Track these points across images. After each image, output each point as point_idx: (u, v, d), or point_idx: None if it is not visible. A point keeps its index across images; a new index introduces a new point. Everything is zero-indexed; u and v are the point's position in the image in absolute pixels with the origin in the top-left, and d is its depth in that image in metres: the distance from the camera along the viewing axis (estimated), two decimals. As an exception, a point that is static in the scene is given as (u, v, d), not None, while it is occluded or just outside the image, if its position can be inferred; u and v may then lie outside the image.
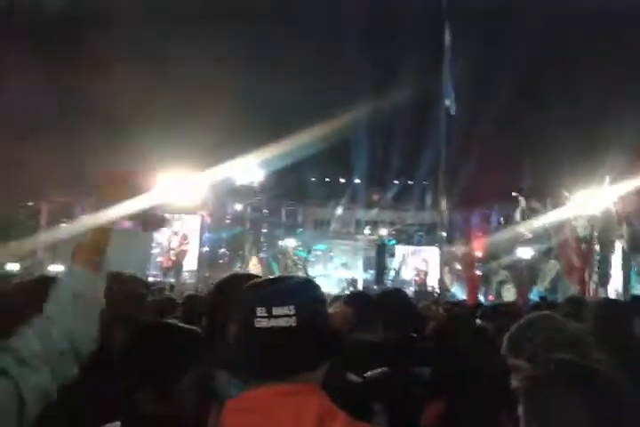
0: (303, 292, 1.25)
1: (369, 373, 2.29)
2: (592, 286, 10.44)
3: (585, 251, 10.35)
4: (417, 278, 31.82)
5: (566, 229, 12.16)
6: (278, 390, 1.15)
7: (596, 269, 10.47)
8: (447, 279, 20.09)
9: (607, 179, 10.89)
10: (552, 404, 1.22)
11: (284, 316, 1.17)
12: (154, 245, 27.34)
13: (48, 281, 2.09)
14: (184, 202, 21.12)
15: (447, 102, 17.57)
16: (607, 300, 5.03)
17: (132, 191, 1.80)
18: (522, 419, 1.28)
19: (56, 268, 21.60)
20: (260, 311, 1.18)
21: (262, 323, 1.17)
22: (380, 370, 2.33)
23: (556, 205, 13.33)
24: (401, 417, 1.27)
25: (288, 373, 1.17)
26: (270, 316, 1.18)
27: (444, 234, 19.67)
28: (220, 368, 1.58)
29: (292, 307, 1.18)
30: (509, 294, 14.02)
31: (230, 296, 1.68)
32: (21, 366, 1.27)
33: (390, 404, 1.89)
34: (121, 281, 2.56)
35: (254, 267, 18.24)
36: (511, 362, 1.84)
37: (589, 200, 10.76)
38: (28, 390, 1.25)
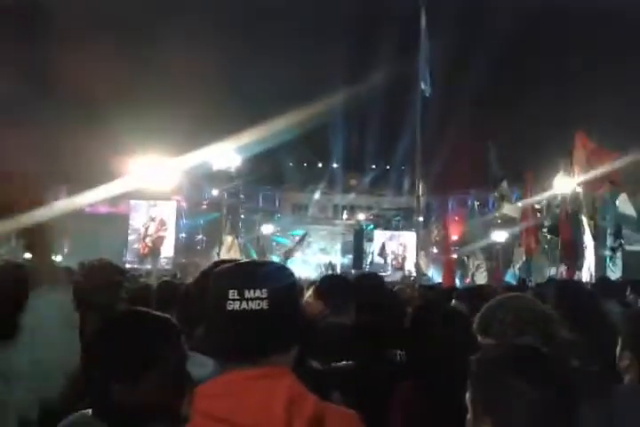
0: (276, 276, 1.24)
1: (336, 364, 2.31)
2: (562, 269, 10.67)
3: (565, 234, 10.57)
4: (394, 263, 32.10)
5: (531, 214, 12.40)
6: (249, 373, 1.16)
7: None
8: (423, 263, 20.28)
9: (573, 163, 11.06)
10: (497, 387, 1.20)
11: (256, 299, 1.17)
12: (130, 231, 27.07)
13: (13, 268, 2.07)
14: (159, 187, 20.88)
15: (423, 86, 17.56)
16: (572, 281, 5.16)
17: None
18: (469, 402, 1.27)
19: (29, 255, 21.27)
20: (232, 294, 1.18)
21: (234, 305, 1.17)
22: (344, 363, 2.34)
23: (530, 189, 13.52)
24: (363, 407, 1.29)
25: (259, 356, 1.18)
26: (242, 298, 1.18)
27: (421, 219, 19.83)
28: (194, 354, 1.60)
29: (264, 290, 1.19)
30: (481, 277, 14.22)
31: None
32: (5, 383, 1.28)
33: (350, 395, 1.90)
34: (96, 268, 2.55)
35: (231, 252, 18.20)
36: (480, 341, 1.89)
37: (560, 184, 10.96)
38: (9, 409, 1.25)
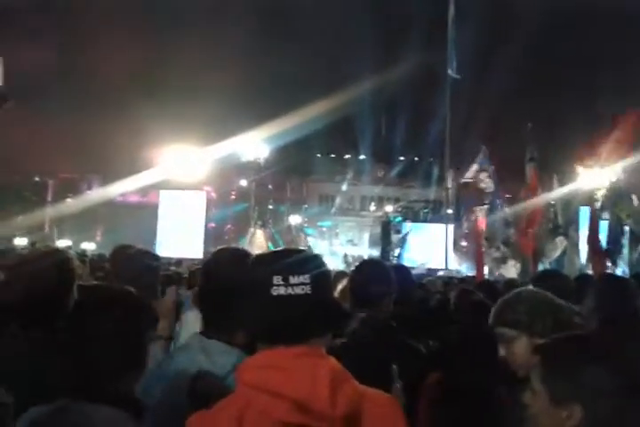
0: (315, 263, 1.30)
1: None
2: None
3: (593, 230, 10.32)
4: (422, 256, 31.90)
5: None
6: (294, 351, 1.20)
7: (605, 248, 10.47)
8: (453, 256, 20.12)
9: (613, 152, 10.74)
10: (582, 374, 1.27)
11: (300, 284, 1.22)
12: (160, 220, 27.42)
13: (57, 253, 2.12)
14: (189, 177, 21.11)
15: (451, 72, 17.34)
16: (609, 275, 5.05)
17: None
18: (542, 387, 1.31)
19: (63, 242, 21.77)
20: (277, 280, 1.22)
21: (279, 291, 1.22)
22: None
23: (564, 180, 13.21)
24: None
25: (302, 338, 1.22)
26: (287, 284, 1.22)
27: (450, 211, 19.64)
28: (216, 343, 1.63)
29: (307, 276, 1.23)
30: (512, 271, 14.02)
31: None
32: None
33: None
34: (130, 254, 2.59)
35: (260, 242, 18.35)
36: (496, 331, 1.94)
37: (598, 174, 10.66)
38: None
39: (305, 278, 1.23)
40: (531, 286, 2.43)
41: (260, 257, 1.35)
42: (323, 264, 1.33)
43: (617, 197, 10.63)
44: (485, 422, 1.89)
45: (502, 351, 1.91)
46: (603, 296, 2.67)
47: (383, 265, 2.65)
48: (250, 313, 1.29)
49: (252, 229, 19.09)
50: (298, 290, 1.22)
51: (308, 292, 1.22)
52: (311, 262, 1.29)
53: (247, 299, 1.29)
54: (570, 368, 1.29)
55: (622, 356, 1.33)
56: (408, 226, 31.42)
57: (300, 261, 1.28)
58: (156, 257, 2.70)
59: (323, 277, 1.28)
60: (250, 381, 1.19)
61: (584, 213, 11.74)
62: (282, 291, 1.22)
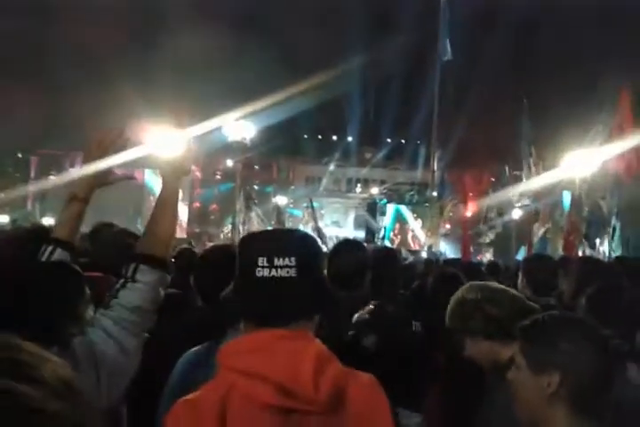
0: (303, 244, 1.28)
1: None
2: (581, 249, 10.57)
3: (573, 214, 10.40)
4: (393, 238, 32.05)
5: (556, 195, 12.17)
6: (278, 333, 1.20)
7: (584, 232, 10.57)
8: (430, 239, 20.26)
9: (598, 137, 10.78)
10: (559, 343, 1.37)
11: (284, 266, 1.21)
12: (144, 201, 27.19)
13: (40, 230, 2.09)
14: (173, 156, 20.83)
15: (443, 56, 17.24)
16: (589, 258, 5.11)
17: (115, 150, 1.87)
18: (523, 360, 1.40)
19: (46, 220, 21.52)
20: (262, 261, 1.21)
21: (263, 272, 1.21)
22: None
23: (549, 166, 13.27)
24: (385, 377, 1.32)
25: (286, 321, 1.21)
26: (272, 266, 1.21)
27: (435, 193, 19.70)
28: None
29: (292, 258, 1.22)
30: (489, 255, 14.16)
31: None
32: None
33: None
34: (110, 233, 2.55)
35: (255, 222, 18.31)
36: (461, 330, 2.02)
37: (581, 161, 10.70)
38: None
39: (290, 261, 1.21)
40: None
41: (249, 237, 1.33)
42: (312, 245, 1.31)
43: (595, 182, 10.73)
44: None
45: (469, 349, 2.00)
46: (583, 279, 2.70)
47: (359, 246, 2.65)
48: (236, 292, 1.27)
49: (238, 212, 19.00)
50: (282, 272, 1.21)
51: (293, 275, 1.21)
52: (299, 244, 1.27)
53: (235, 279, 1.28)
54: (546, 337, 1.39)
55: (591, 330, 1.43)
56: (390, 208, 31.52)
57: (287, 242, 1.26)
58: (137, 237, 2.66)
59: (310, 260, 1.26)
60: (233, 365, 1.19)
61: (567, 198, 11.85)
62: (266, 273, 1.21)
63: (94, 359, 1.44)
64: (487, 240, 22.09)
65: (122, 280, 1.60)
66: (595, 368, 1.34)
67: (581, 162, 10.60)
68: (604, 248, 10.62)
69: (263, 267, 1.21)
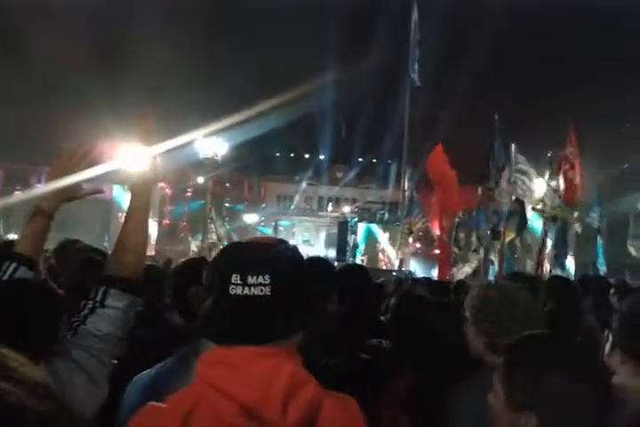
0: (281, 260, 1.21)
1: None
2: (547, 266, 10.78)
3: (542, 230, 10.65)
4: (362, 258, 32.20)
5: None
6: (255, 351, 1.15)
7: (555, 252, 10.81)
8: (405, 257, 20.35)
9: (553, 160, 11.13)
10: (539, 382, 1.21)
11: (258, 285, 1.16)
12: (111, 217, 26.78)
13: (2, 246, 2.02)
14: (142, 169, 20.61)
15: (413, 77, 17.56)
16: (559, 278, 5.20)
17: (86, 164, 1.81)
18: (502, 394, 1.27)
19: (10, 237, 20.97)
20: (235, 278, 1.16)
21: (237, 290, 1.16)
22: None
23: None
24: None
25: (260, 340, 1.17)
26: (245, 284, 1.16)
27: (405, 213, 19.86)
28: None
29: (267, 276, 1.16)
30: (459, 274, 14.29)
31: None
32: None
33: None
34: (75, 250, 2.48)
35: (217, 241, 18.13)
36: (465, 329, 1.96)
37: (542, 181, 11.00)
38: None
39: (264, 279, 1.16)
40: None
41: (225, 250, 1.27)
42: (292, 260, 1.25)
43: (558, 201, 10.97)
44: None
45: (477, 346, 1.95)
46: (551, 297, 2.73)
47: (325, 264, 2.62)
48: (211, 309, 1.22)
49: (208, 229, 18.82)
50: (256, 291, 1.16)
51: (267, 293, 1.16)
52: (275, 259, 1.20)
53: (208, 294, 1.23)
54: (529, 376, 1.24)
55: (585, 363, 1.28)
56: (361, 227, 31.66)
57: (263, 258, 1.20)
58: (102, 254, 2.59)
59: (288, 277, 1.20)
60: (205, 376, 1.15)
61: (535, 218, 12.07)
62: (239, 291, 1.16)
63: (62, 387, 1.38)
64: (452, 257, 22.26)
65: (90, 304, 1.52)
66: (579, 411, 1.20)
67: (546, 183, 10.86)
68: (571, 268, 10.84)
69: (236, 284, 1.16)
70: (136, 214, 1.66)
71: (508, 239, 11.67)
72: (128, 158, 1.79)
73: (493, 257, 11.90)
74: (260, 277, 1.16)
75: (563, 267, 10.48)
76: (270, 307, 1.16)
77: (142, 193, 1.70)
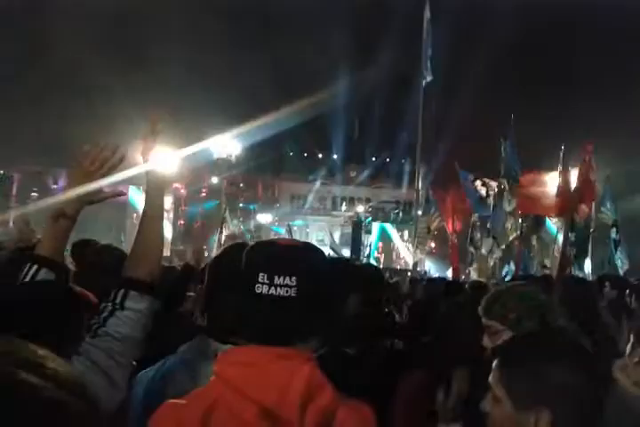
0: (308, 261, 1.22)
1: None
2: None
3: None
4: (378, 256, 32.15)
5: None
6: (275, 351, 1.16)
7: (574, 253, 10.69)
8: (419, 256, 20.30)
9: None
10: (548, 378, 1.20)
11: (284, 286, 1.16)
12: (127, 218, 27.00)
13: (24, 248, 2.05)
14: (167, 174, 20.76)
15: (426, 78, 17.48)
16: (575, 278, 5.15)
17: (109, 168, 1.81)
18: (504, 393, 1.24)
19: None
20: (262, 277, 1.17)
21: (262, 289, 1.17)
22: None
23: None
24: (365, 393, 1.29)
25: (282, 341, 1.17)
26: (271, 284, 1.16)
27: (420, 212, 19.79)
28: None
29: (294, 278, 1.17)
30: (474, 273, 14.21)
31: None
32: None
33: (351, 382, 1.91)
34: (94, 250, 2.51)
35: (230, 240, 18.19)
36: (484, 322, 1.95)
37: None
38: None
39: (291, 280, 1.16)
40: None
41: (252, 249, 1.26)
42: (319, 263, 1.25)
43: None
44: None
45: (486, 342, 1.93)
46: (567, 297, 2.72)
47: (348, 264, 2.60)
48: (233, 307, 1.23)
49: (223, 230, 18.92)
50: (282, 292, 1.16)
51: (293, 295, 1.16)
52: (302, 261, 1.21)
53: (231, 291, 1.23)
54: (531, 370, 1.22)
55: (581, 352, 1.28)
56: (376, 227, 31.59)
57: (293, 259, 1.20)
58: (119, 253, 2.61)
59: (313, 280, 1.20)
60: (224, 375, 1.16)
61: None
62: (265, 290, 1.16)
63: None
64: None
65: (109, 307, 1.53)
66: (588, 400, 1.20)
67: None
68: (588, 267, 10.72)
69: (263, 284, 1.16)
70: (150, 218, 1.67)
71: (511, 237, 11.60)
72: (148, 161, 1.80)
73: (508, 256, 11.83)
74: (287, 278, 1.16)
75: (581, 267, 10.37)
76: (294, 308, 1.17)
77: (156, 196, 1.72)
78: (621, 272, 10.37)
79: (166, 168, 1.74)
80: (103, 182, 1.83)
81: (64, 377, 0.57)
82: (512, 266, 12.15)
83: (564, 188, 9.09)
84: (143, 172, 1.78)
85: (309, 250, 1.27)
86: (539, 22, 31.82)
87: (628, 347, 1.82)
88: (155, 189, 1.72)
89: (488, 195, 13.28)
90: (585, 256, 10.48)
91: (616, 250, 10.83)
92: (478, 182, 13.63)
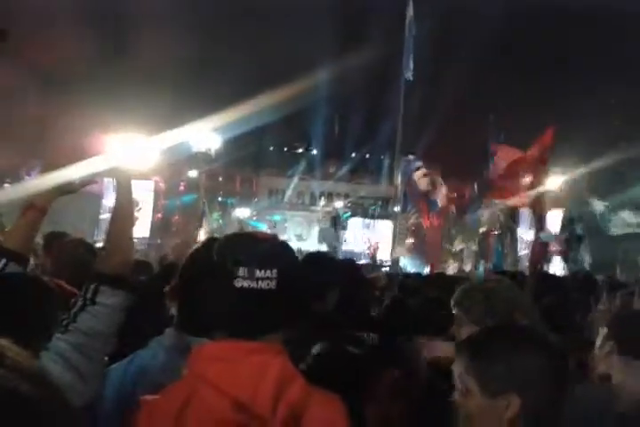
0: (285, 256, 1.25)
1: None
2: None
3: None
4: (369, 251, 32.27)
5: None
6: (248, 346, 1.17)
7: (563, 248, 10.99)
8: (398, 252, 20.42)
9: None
10: (512, 362, 1.26)
11: (266, 279, 1.18)
12: (102, 210, 26.65)
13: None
14: (136, 167, 20.52)
15: (407, 76, 17.57)
16: (548, 274, 5.25)
17: (78, 158, 1.81)
18: (476, 382, 1.27)
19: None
20: (242, 271, 1.18)
21: (243, 283, 1.17)
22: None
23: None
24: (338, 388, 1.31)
25: (257, 333, 1.19)
26: (252, 277, 1.17)
27: (398, 208, 19.93)
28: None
29: (274, 271, 1.18)
30: (450, 268, 14.37)
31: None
32: None
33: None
34: (65, 243, 2.47)
35: (207, 234, 18.11)
36: (454, 312, 2.02)
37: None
38: None
39: (272, 273, 1.18)
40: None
41: (228, 241, 1.28)
42: (293, 256, 1.29)
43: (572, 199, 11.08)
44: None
45: (453, 332, 2.02)
46: (540, 291, 2.77)
47: (329, 257, 2.62)
48: (210, 301, 1.24)
49: (201, 223, 18.80)
50: (262, 284, 1.18)
51: (273, 287, 1.18)
52: (281, 255, 1.24)
53: (209, 285, 1.24)
54: (498, 359, 1.26)
55: (546, 341, 1.35)
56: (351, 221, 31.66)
57: (270, 252, 1.22)
58: (91, 248, 2.57)
59: (291, 272, 1.23)
60: (198, 370, 1.17)
61: (524, 214, 12.14)
62: (245, 284, 1.17)
63: None
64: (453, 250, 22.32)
65: (80, 301, 1.52)
66: (553, 383, 1.26)
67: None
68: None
69: (244, 278, 1.17)
70: (120, 213, 1.67)
71: (482, 230, 11.78)
72: (122, 152, 1.81)
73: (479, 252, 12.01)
74: (269, 271, 1.18)
75: (575, 262, 10.54)
76: (274, 301, 1.18)
77: (124, 192, 1.72)
78: (587, 267, 10.60)
79: (130, 162, 1.74)
80: (74, 176, 1.83)
81: (24, 366, 0.56)
82: (487, 262, 12.30)
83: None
84: (116, 164, 1.77)
85: (284, 244, 1.31)
86: (522, 22, 32.17)
87: (599, 339, 1.87)
88: (122, 184, 1.72)
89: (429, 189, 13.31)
90: (577, 251, 10.71)
91: (579, 246, 11.09)
92: (419, 173, 13.63)
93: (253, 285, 1.17)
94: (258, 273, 1.18)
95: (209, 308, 1.24)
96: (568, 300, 2.46)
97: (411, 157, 14.30)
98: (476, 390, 1.26)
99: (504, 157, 10.16)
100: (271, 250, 1.23)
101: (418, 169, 13.88)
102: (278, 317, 1.21)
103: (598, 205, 11.39)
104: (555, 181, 11.39)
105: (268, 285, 1.17)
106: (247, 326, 1.19)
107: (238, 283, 1.17)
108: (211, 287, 1.23)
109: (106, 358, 1.58)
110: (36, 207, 1.75)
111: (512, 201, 10.28)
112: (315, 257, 2.67)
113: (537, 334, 1.40)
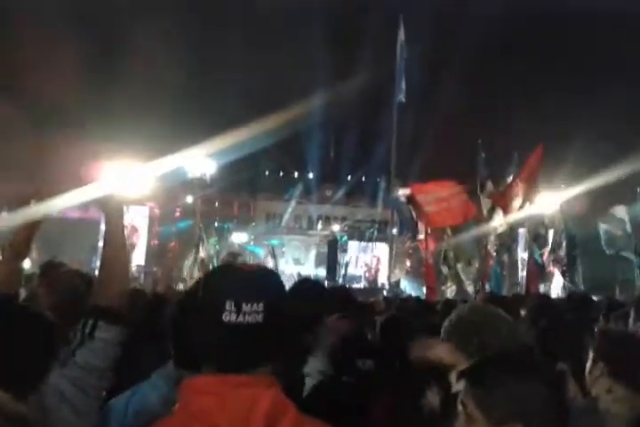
0: (272, 288, 1.25)
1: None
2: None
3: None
4: (367, 275, 32.16)
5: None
6: (237, 380, 1.16)
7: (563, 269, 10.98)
8: (396, 276, 20.36)
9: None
10: (517, 392, 1.26)
11: (252, 312, 1.17)
12: (100, 237, 26.56)
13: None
14: (132, 193, 20.54)
15: (400, 98, 17.76)
16: (544, 296, 5.24)
17: (73, 186, 1.83)
18: (477, 410, 1.29)
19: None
20: (229, 305, 1.17)
21: (230, 317, 1.17)
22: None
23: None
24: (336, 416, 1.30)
25: (246, 367, 1.18)
26: (239, 311, 1.17)
27: (395, 231, 19.91)
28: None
29: (261, 304, 1.18)
30: (449, 291, 14.31)
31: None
32: None
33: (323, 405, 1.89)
34: (60, 274, 2.46)
35: (204, 260, 18.04)
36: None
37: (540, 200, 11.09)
38: None
39: (259, 307, 1.18)
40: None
41: (215, 275, 1.29)
42: (280, 287, 1.28)
43: (571, 218, 11.15)
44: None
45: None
46: (535, 314, 2.76)
47: (319, 287, 2.60)
48: (197, 335, 1.23)
49: (198, 249, 18.73)
50: (250, 318, 1.17)
51: (260, 320, 1.18)
52: (268, 287, 1.24)
53: (196, 320, 1.24)
54: (503, 388, 1.27)
55: (547, 368, 1.37)
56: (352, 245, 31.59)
57: (256, 285, 1.22)
58: (87, 279, 2.56)
59: (278, 304, 1.23)
60: (189, 405, 1.16)
61: (522, 235, 12.16)
62: (232, 318, 1.17)
63: (46, 416, 1.38)
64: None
65: (79, 337, 1.53)
66: (554, 412, 1.27)
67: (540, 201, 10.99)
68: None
69: (230, 312, 1.17)
70: (112, 240, 1.67)
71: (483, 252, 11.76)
72: (116, 181, 1.81)
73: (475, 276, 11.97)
74: (255, 304, 1.18)
75: (572, 281, 10.53)
76: (261, 334, 1.18)
77: (115, 223, 1.72)
78: (582, 288, 10.58)
79: (125, 190, 1.75)
80: (74, 204, 1.84)
81: (9, 410, 0.56)
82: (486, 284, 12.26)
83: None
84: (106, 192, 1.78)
85: (271, 274, 1.30)
86: (515, 42, 32.76)
87: (589, 363, 1.86)
88: (112, 215, 1.72)
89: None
90: (574, 268, 10.69)
91: (574, 266, 11.09)
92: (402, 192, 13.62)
93: (240, 319, 1.17)
94: (245, 307, 1.17)
95: (196, 342, 1.23)
96: (563, 322, 2.45)
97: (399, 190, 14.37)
98: (479, 417, 1.27)
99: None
100: (258, 283, 1.23)
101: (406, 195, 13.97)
102: (266, 350, 1.21)
103: (600, 224, 11.46)
104: (554, 200, 11.44)
105: (254, 318, 1.17)
106: (235, 359, 1.18)
107: (225, 317, 1.17)
108: (198, 322, 1.23)
109: (104, 393, 1.57)
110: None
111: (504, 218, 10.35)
112: (304, 287, 2.66)
113: (542, 364, 1.42)
